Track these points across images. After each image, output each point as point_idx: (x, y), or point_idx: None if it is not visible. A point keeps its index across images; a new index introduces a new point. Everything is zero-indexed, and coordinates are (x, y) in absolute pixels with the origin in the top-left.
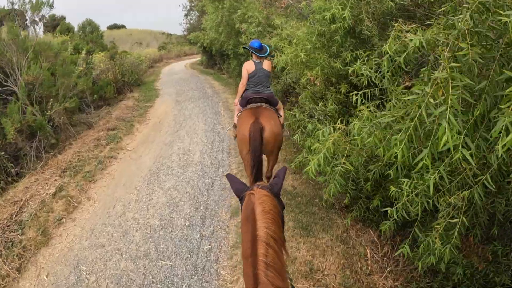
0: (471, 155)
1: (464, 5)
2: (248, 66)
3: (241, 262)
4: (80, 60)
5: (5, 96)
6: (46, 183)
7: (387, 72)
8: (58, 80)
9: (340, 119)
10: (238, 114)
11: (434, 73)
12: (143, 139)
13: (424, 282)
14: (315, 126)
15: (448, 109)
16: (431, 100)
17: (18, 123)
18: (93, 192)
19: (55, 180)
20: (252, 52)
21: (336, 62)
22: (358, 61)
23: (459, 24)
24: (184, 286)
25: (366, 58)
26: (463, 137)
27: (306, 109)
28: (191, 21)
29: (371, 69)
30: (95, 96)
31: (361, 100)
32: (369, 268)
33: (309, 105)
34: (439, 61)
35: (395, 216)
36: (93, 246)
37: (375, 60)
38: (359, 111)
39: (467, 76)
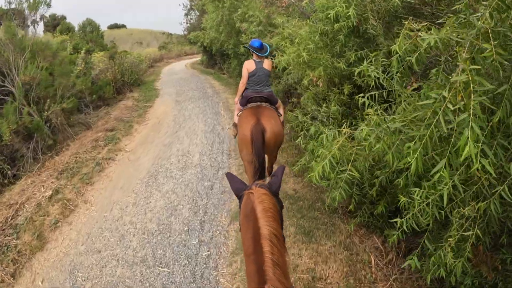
0: (489, 164)
1: (482, 2)
2: (249, 65)
3: (241, 270)
4: (79, 60)
5: (2, 97)
6: (43, 186)
7: (397, 73)
8: (56, 80)
9: (343, 121)
10: (239, 114)
11: (450, 76)
12: (142, 140)
13: None
14: (318, 128)
15: (470, 116)
16: (450, 106)
17: (15, 124)
18: (90, 195)
19: (52, 182)
20: (252, 51)
21: (339, 62)
22: (365, 62)
23: (479, 22)
24: None
25: (374, 58)
26: (481, 145)
27: (309, 111)
28: (191, 21)
29: (379, 70)
30: (94, 96)
31: (369, 103)
32: (374, 276)
33: (312, 107)
34: (451, 62)
35: (404, 227)
36: (89, 251)
37: (382, 61)
38: (367, 114)
39: (485, 80)
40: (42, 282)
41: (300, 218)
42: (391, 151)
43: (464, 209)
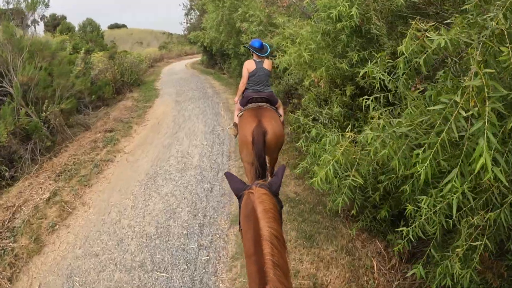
0: (500, 172)
1: (496, 2)
2: (249, 65)
3: (240, 275)
4: (78, 60)
5: (0, 98)
6: (40, 188)
7: (403, 75)
8: (55, 81)
9: (345, 123)
10: (239, 114)
11: (459, 79)
12: (141, 141)
13: None
14: (320, 131)
15: (486, 124)
16: (462, 113)
17: (12, 125)
18: (88, 197)
19: (50, 184)
20: (252, 52)
21: (341, 63)
22: (369, 63)
23: (492, 23)
24: None
25: (379, 59)
26: (493, 153)
27: (310, 112)
28: (192, 21)
29: (384, 71)
30: (93, 96)
31: (374, 106)
32: (376, 281)
33: (313, 108)
34: (459, 64)
35: (410, 236)
36: (87, 255)
37: (388, 62)
38: (371, 118)
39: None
40: (39, 287)
41: (301, 222)
42: (397, 156)
43: (473, 218)
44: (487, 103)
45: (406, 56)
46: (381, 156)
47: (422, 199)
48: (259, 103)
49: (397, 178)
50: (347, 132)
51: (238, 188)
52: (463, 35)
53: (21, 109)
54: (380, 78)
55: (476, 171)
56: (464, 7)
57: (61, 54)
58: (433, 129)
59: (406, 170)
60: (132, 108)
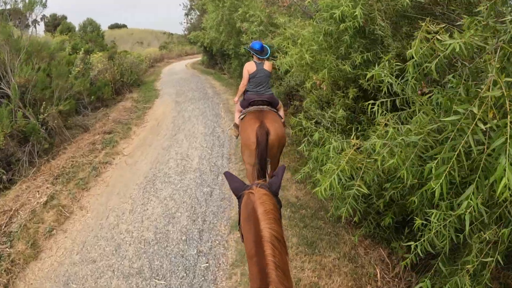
0: None
1: None
2: (249, 67)
3: (241, 283)
4: (77, 60)
5: None
6: (38, 191)
7: (412, 79)
8: (53, 82)
9: (348, 126)
10: (241, 117)
11: (479, 89)
12: (140, 143)
13: None
14: (323, 134)
15: (508, 141)
16: (480, 125)
17: (9, 128)
18: (86, 201)
19: (47, 187)
20: (253, 54)
21: (344, 64)
22: (374, 65)
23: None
24: None
25: (387, 62)
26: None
27: (312, 115)
28: (192, 21)
29: (392, 74)
30: (92, 97)
31: (381, 112)
32: None
33: (315, 111)
34: (468, 68)
35: (418, 250)
36: (84, 261)
37: (396, 65)
38: (378, 124)
39: None
40: None
41: (302, 227)
42: (405, 166)
43: (485, 233)
44: (508, 117)
45: (415, 60)
46: (388, 165)
47: (432, 213)
48: (261, 106)
49: (403, 187)
50: (352, 139)
51: (238, 188)
52: (477, 38)
53: (18, 111)
54: (387, 82)
55: (498, 192)
56: (478, 9)
57: (60, 54)
58: (444, 139)
59: (414, 179)
60: (131, 109)
